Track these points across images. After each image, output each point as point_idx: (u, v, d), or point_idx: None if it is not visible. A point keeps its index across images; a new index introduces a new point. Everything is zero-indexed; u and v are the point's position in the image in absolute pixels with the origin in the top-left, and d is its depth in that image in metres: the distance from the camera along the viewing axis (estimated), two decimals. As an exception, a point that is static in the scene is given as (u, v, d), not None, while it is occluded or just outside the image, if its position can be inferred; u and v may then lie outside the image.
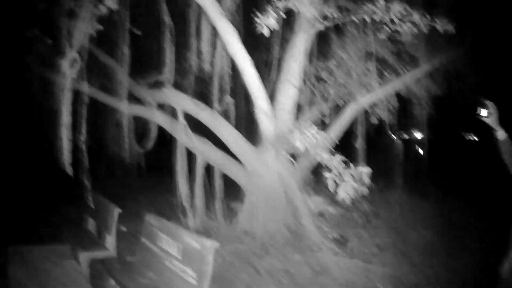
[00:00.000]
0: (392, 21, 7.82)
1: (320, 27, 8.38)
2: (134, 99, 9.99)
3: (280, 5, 7.34)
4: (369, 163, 8.55)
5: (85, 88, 8.19)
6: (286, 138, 8.20)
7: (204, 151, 9.52)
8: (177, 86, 9.75)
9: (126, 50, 9.01)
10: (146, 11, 9.45)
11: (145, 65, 10.52)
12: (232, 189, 9.94)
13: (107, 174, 13.15)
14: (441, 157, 18.77)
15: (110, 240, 6.64)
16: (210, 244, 4.67)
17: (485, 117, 4.43)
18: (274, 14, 7.28)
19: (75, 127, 7.82)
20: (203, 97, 9.81)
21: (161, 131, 10.13)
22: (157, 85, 9.92)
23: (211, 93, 9.55)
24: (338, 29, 9.56)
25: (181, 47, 9.34)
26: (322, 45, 9.70)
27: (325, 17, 8.15)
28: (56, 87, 8.13)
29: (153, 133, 10.34)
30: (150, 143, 10.42)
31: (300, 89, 9.12)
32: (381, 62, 9.97)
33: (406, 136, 22.61)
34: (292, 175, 8.96)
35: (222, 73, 9.40)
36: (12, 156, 14.93)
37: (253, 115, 8.92)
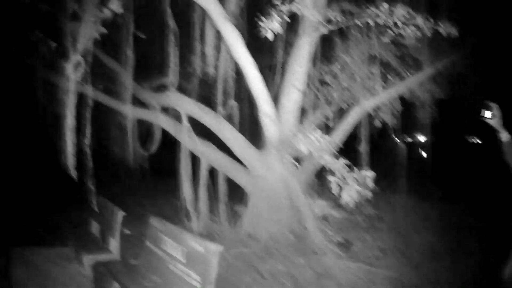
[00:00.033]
0: (395, 24, 7.84)
1: (324, 30, 8.38)
2: (138, 102, 10.02)
3: (284, 8, 7.35)
4: (372, 166, 8.57)
5: (89, 91, 8.19)
6: (290, 142, 8.21)
7: (208, 154, 9.52)
8: (181, 89, 9.74)
9: (130, 53, 9.01)
10: (150, 15, 9.45)
11: (149, 68, 10.54)
12: (236, 192, 9.93)
13: (111, 177, 13.15)
14: (444, 160, 18.79)
15: (114, 243, 6.64)
16: (215, 248, 4.66)
17: (489, 118, 4.43)
18: (278, 18, 7.30)
19: (79, 130, 7.82)
20: (207, 101, 9.79)
21: (165, 134, 10.13)
22: (161, 88, 9.93)
23: (215, 97, 9.53)
24: (342, 32, 9.56)
25: (185, 51, 9.34)
26: (326, 49, 9.71)
27: (329, 21, 8.16)
28: (60, 90, 8.12)
29: (157, 136, 10.34)
30: (154, 146, 10.42)
31: (304, 92, 9.11)
32: (385, 66, 10.00)
33: (409, 140, 22.63)
34: (296, 179, 8.95)
35: (226, 76, 9.39)
36: (16, 158, 14.97)
37: (257, 119, 8.92)
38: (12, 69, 11.09)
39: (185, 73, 9.79)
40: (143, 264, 5.86)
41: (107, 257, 6.51)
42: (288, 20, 7.58)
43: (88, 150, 7.79)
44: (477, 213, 10.84)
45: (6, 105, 13.03)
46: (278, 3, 7.36)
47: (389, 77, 10.02)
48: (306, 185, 9.63)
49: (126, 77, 9.51)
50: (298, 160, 9.07)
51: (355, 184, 7.15)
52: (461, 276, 7.25)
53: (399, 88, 10.02)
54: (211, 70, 9.24)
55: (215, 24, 8.22)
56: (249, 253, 8.03)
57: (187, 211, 9.39)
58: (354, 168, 7.37)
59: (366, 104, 9.76)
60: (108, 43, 9.09)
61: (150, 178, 12.99)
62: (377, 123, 10.59)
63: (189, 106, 9.48)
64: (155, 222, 5.94)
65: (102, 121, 10.92)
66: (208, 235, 8.83)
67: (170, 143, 9.98)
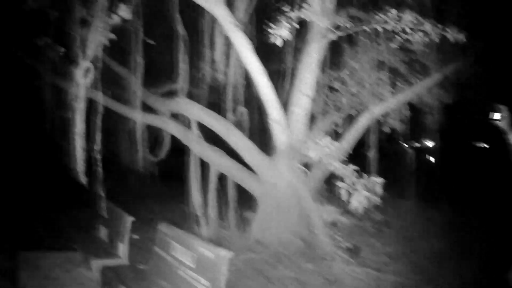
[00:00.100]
0: (403, 30, 7.87)
1: (333, 37, 8.40)
2: (147, 108, 10.04)
3: (293, 15, 7.40)
4: (381, 172, 8.57)
5: (99, 97, 8.22)
6: (299, 148, 8.23)
7: (217, 160, 9.53)
8: (191, 95, 9.77)
9: (139, 60, 9.07)
10: (159, 21, 9.50)
11: (158, 74, 10.59)
12: (245, 198, 9.93)
13: (120, 183, 13.18)
14: (452, 166, 18.72)
15: (123, 248, 6.64)
16: (224, 254, 4.65)
17: (498, 120, 4.46)
18: (287, 25, 7.34)
19: (88, 135, 7.85)
20: (216, 107, 9.82)
21: (174, 140, 10.16)
22: (171, 94, 9.98)
23: (225, 103, 9.56)
24: (350, 39, 9.59)
25: (195, 57, 9.38)
26: (334, 55, 9.71)
27: (337, 27, 8.18)
28: (70, 96, 8.16)
29: (166, 142, 10.37)
30: (163, 152, 10.45)
31: (313, 99, 9.13)
32: (393, 72, 9.99)
33: (417, 145, 22.57)
34: (305, 185, 8.94)
35: (236, 83, 9.41)
36: (26, 163, 15.04)
37: (266, 125, 8.95)
38: (21, 75, 11.16)
39: (194, 79, 9.82)
40: (152, 269, 5.87)
41: (115, 262, 6.53)
42: (297, 26, 7.61)
43: (97, 156, 7.81)
44: (485, 218, 10.79)
45: (16, 111, 13.12)
46: (287, 9, 7.41)
47: (398, 83, 10.00)
48: (315, 191, 9.62)
49: (136, 83, 9.55)
50: (307, 166, 9.09)
51: (364, 190, 7.17)
52: (469, 281, 7.24)
53: (407, 94, 10.00)
54: (220, 77, 9.28)
55: (225, 31, 8.27)
56: (258, 259, 8.03)
57: (196, 217, 9.40)
58: (363, 174, 7.38)
59: (375, 110, 9.74)
60: (118, 49, 9.12)
61: (159, 184, 13.03)
62: (386, 129, 10.58)
63: (198, 112, 9.51)
64: (164, 227, 5.94)
65: (111, 127, 10.96)
66: (217, 241, 8.81)
67: (179, 149, 10.00)
